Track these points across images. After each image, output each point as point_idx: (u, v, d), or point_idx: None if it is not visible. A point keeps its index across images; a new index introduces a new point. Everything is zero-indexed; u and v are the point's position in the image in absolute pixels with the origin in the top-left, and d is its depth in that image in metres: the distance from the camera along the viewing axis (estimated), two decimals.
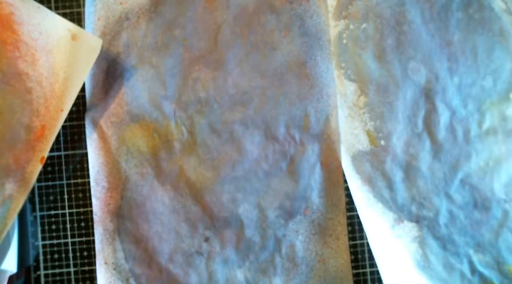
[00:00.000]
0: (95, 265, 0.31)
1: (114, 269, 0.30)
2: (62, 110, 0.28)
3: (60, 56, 0.28)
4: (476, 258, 0.30)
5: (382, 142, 0.31)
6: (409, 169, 0.30)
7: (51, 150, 0.31)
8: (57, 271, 0.31)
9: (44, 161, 0.28)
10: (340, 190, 0.31)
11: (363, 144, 0.31)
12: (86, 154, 0.31)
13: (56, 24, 0.28)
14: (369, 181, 0.31)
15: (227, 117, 0.31)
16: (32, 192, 0.31)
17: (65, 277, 0.31)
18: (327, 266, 0.30)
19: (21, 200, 0.28)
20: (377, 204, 0.30)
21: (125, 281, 0.30)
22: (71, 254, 0.31)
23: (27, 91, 0.28)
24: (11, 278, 0.29)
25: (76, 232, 0.31)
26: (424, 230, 0.30)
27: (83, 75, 0.28)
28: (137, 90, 0.31)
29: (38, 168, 0.28)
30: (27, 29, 0.27)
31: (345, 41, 0.31)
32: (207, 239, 0.31)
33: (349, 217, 0.31)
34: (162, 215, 0.31)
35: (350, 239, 0.31)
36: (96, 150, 0.31)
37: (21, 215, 0.31)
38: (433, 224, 0.30)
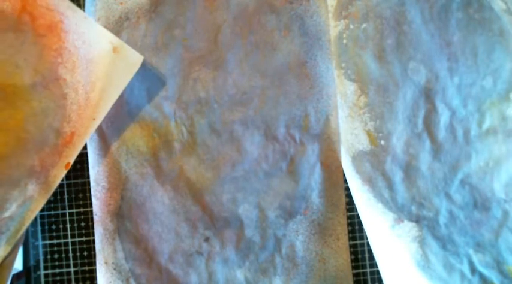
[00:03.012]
0: (95, 265, 0.31)
1: (114, 269, 0.30)
2: (93, 119, 0.28)
3: (99, 67, 0.28)
4: (476, 258, 0.30)
5: (382, 142, 0.31)
6: (409, 169, 0.30)
7: None
8: (57, 271, 0.31)
9: (68, 167, 0.28)
10: (340, 190, 0.31)
11: (363, 144, 0.31)
12: (86, 154, 0.31)
13: (100, 35, 0.28)
14: (369, 181, 0.31)
15: (227, 117, 0.31)
16: None
17: (65, 277, 0.31)
18: (327, 266, 0.30)
19: (41, 202, 0.28)
20: (377, 204, 0.30)
21: (124, 281, 0.30)
22: (71, 254, 0.31)
23: (63, 96, 0.28)
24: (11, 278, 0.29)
25: (76, 232, 0.31)
26: (424, 230, 0.30)
27: (120, 87, 0.28)
28: (137, 90, 0.31)
29: (62, 173, 0.28)
30: (72, 37, 0.28)
31: (345, 41, 0.31)
32: (207, 239, 0.31)
33: (349, 217, 0.31)
34: (162, 215, 0.31)
35: (350, 239, 0.31)
36: (96, 150, 0.31)
37: None
38: (433, 224, 0.30)
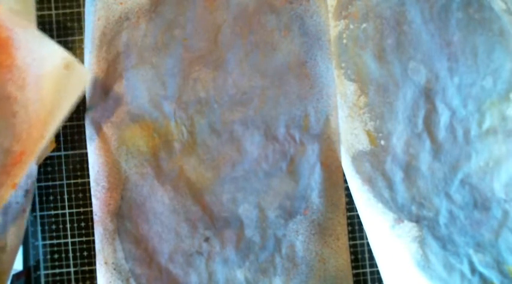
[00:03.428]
0: (95, 265, 0.31)
1: (114, 269, 0.30)
2: (42, 137, 0.27)
3: (49, 84, 0.27)
4: (476, 258, 0.30)
5: (382, 142, 0.31)
6: (409, 169, 0.30)
7: (51, 150, 0.31)
8: (57, 271, 0.31)
9: (15, 187, 0.27)
10: (340, 190, 0.31)
11: (363, 144, 0.31)
12: (86, 154, 0.31)
13: (52, 52, 0.27)
14: (369, 181, 0.31)
15: (227, 117, 0.31)
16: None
17: (65, 277, 0.31)
18: (327, 266, 0.30)
19: None
20: (377, 204, 0.30)
21: (125, 281, 0.30)
22: (71, 254, 0.31)
23: (13, 115, 0.27)
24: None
25: (76, 232, 0.31)
26: (424, 230, 0.30)
27: (69, 104, 0.27)
28: (137, 90, 0.31)
29: (9, 193, 0.27)
30: (23, 54, 0.27)
31: (345, 41, 0.31)
32: (207, 239, 0.31)
33: (349, 217, 0.31)
34: (162, 216, 0.31)
35: (350, 239, 0.31)
36: (96, 150, 0.31)
37: None
38: (433, 224, 0.30)
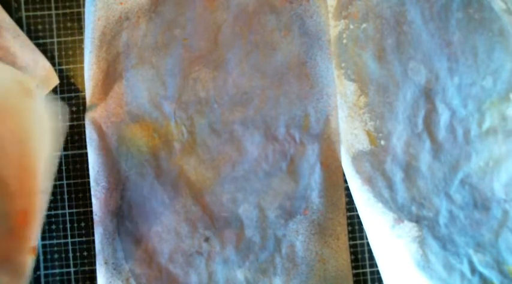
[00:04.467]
0: (95, 265, 0.31)
1: (114, 269, 0.30)
2: (40, 191, 0.24)
3: (20, 123, 0.23)
4: (476, 258, 0.30)
5: (382, 142, 0.31)
6: (409, 169, 0.30)
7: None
8: (57, 271, 0.31)
9: (35, 252, 0.25)
10: (340, 190, 0.31)
11: (363, 144, 0.31)
12: (86, 154, 0.31)
13: (8, 80, 0.23)
14: (369, 181, 0.31)
15: (227, 117, 0.31)
16: None
17: (65, 277, 0.31)
18: (327, 266, 0.30)
19: None
20: (377, 204, 0.30)
21: (124, 281, 0.30)
22: (71, 254, 0.31)
23: None
24: None
25: (76, 232, 0.31)
26: (424, 230, 0.30)
27: (49, 137, 0.24)
28: (137, 90, 0.31)
29: (30, 258, 0.25)
30: None
31: (345, 41, 0.31)
32: (207, 239, 0.31)
33: (349, 217, 0.31)
34: (162, 215, 0.31)
35: (350, 239, 0.31)
36: (96, 150, 0.31)
37: None
38: (433, 224, 0.30)
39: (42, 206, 0.25)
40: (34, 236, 0.25)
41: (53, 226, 0.31)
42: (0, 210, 0.24)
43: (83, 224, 0.31)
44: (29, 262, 0.25)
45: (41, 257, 0.31)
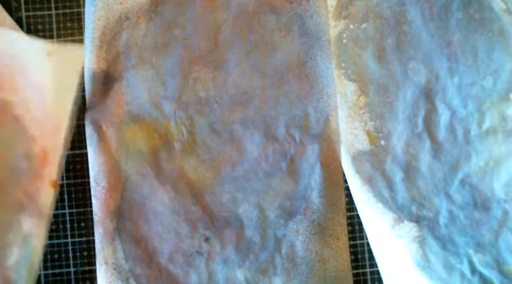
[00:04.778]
0: (95, 265, 0.31)
1: (114, 269, 0.30)
2: (58, 129, 0.26)
3: (39, 76, 0.26)
4: (476, 258, 0.30)
5: (382, 142, 0.31)
6: (409, 169, 0.30)
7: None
8: (57, 271, 0.31)
9: (56, 185, 0.26)
10: (340, 190, 0.31)
11: (363, 144, 0.31)
12: (86, 154, 0.31)
13: (26, 44, 0.26)
14: (369, 181, 0.31)
15: (227, 117, 0.31)
16: None
17: (65, 277, 0.31)
18: (327, 266, 0.30)
19: (42, 233, 0.26)
20: (377, 204, 0.30)
21: (124, 281, 0.30)
22: (71, 254, 0.31)
23: (16, 119, 0.26)
24: None
25: (76, 232, 0.31)
26: (424, 230, 0.30)
27: (72, 87, 0.26)
28: (137, 90, 0.31)
29: (51, 194, 0.26)
30: None
31: (345, 41, 0.31)
32: (207, 239, 0.31)
33: (349, 217, 0.31)
34: (162, 216, 0.31)
35: (350, 239, 0.31)
36: (96, 150, 0.31)
37: None
38: (433, 224, 0.30)
39: (60, 141, 0.26)
40: (54, 172, 0.26)
41: (53, 226, 0.31)
42: (21, 153, 0.26)
43: (83, 224, 0.31)
44: (50, 197, 0.26)
45: (41, 257, 0.31)
